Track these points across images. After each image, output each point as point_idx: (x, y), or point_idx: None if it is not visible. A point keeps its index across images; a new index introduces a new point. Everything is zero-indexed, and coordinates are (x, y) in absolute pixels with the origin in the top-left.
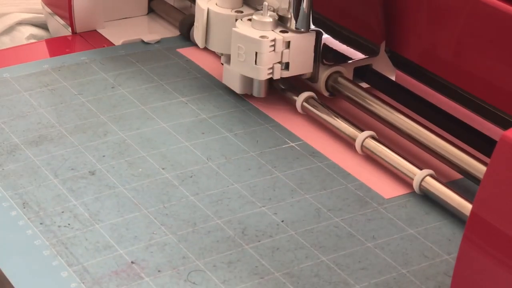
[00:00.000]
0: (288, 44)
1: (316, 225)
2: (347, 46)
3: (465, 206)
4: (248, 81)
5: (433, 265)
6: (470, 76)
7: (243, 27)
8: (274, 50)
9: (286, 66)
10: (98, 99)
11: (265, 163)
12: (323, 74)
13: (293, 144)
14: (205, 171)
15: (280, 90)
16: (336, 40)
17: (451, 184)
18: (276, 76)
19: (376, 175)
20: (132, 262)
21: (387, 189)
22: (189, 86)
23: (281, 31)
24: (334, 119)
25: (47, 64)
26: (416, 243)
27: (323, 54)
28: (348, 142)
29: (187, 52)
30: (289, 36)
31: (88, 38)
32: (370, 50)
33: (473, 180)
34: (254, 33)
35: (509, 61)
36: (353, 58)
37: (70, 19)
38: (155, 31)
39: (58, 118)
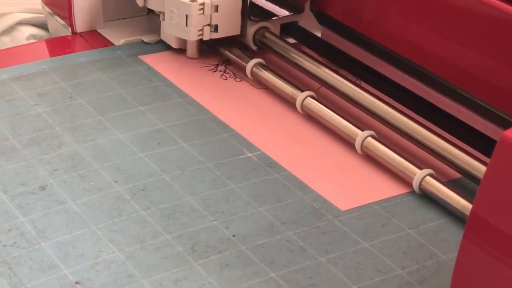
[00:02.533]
0: (216, 8)
1: (268, 239)
2: (273, 4)
3: (465, 206)
4: (182, 39)
5: (386, 280)
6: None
7: None
8: (203, 13)
9: (215, 28)
10: (55, 109)
11: (221, 174)
12: (251, 29)
13: (250, 155)
14: (158, 184)
15: (212, 45)
16: None
17: (450, 184)
18: (206, 37)
19: (334, 186)
20: (77, 283)
21: (344, 200)
22: (148, 95)
23: None
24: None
25: (6, 74)
26: (370, 257)
27: (250, 11)
28: (308, 153)
29: (149, 59)
30: (217, 0)
31: (88, 38)
32: (295, 8)
33: (473, 179)
34: None
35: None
36: (279, 15)
37: (70, 19)
38: (155, 31)
39: (13, 130)
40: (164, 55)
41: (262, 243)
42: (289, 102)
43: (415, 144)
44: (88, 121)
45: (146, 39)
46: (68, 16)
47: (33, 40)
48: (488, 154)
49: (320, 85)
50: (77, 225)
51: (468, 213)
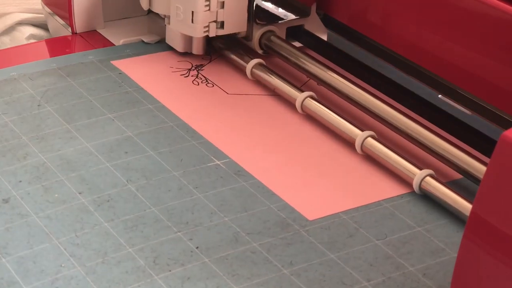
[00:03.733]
0: (222, 4)
1: (232, 251)
2: (279, 7)
3: (465, 206)
4: (188, 40)
5: None
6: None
7: None
8: (209, 9)
9: (221, 25)
10: (22, 118)
11: (187, 183)
12: (257, 33)
13: (218, 162)
14: (123, 194)
15: (218, 49)
16: (269, 1)
17: (450, 184)
18: (212, 34)
19: (303, 194)
20: None
21: (312, 209)
22: (118, 101)
23: None
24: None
25: None
26: (335, 269)
27: (256, 14)
28: (279, 160)
29: (121, 64)
30: None
31: (88, 38)
32: (301, 12)
33: (473, 180)
34: None
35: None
36: (284, 18)
37: (70, 19)
38: (155, 31)
39: None
40: (136, 60)
41: (226, 254)
42: (261, 108)
43: (415, 144)
44: (55, 130)
45: (146, 39)
46: (68, 16)
47: (33, 40)
48: (488, 154)
49: (318, 82)
50: (39, 239)
51: (468, 213)
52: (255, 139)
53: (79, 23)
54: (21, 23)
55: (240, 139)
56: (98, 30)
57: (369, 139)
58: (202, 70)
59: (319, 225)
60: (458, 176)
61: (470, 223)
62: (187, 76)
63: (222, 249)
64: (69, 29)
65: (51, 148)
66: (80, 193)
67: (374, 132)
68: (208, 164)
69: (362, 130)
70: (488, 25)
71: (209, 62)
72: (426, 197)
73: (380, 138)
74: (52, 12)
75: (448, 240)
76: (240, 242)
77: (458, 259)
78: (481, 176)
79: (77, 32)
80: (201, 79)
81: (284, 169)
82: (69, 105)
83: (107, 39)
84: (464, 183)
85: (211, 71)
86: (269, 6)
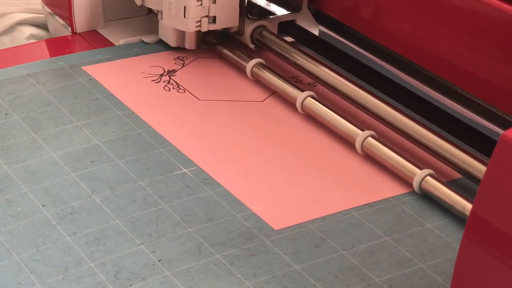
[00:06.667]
0: None
1: (194, 263)
2: (271, 2)
3: (465, 206)
4: (181, 35)
5: None
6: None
7: None
8: (201, 4)
9: (214, 19)
10: None
11: (153, 193)
12: (249, 28)
13: (186, 170)
14: (87, 206)
15: (211, 43)
16: None
17: (450, 184)
18: (204, 28)
19: (270, 203)
20: None
21: (278, 218)
22: (87, 109)
23: None
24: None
25: None
26: (299, 281)
27: (247, 9)
28: (248, 168)
29: (92, 69)
30: None
31: (88, 38)
32: (293, 7)
33: (473, 180)
34: None
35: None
36: (276, 13)
37: (70, 19)
38: (155, 31)
39: None
40: (108, 65)
41: (188, 267)
42: (232, 114)
43: (415, 144)
44: (21, 140)
45: (146, 39)
46: (68, 16)
47: (33, 40)
48: (488, 154)
49: (314, 81)
50: None
51: (468, 213)
52: (224, 146)
53: (79, 23)
54: (21, 23)
55: (209, 146)
56: (98, 30)
57: (369, 138)
58: (174, 75)
59: (284, 235)
60: (458, 175)
61: (470, 223)
62: (158, 82)
63: (185, 262)
64: (69, 29)
65: (16, 159)
66: (43, 206)
67: (374, 132)
68: (175, 173)
69: (362, 130)
70: (488, 25)
71: (182, 67)
72: (398, 205)
73: (380, 138)
74: (52, 12)
75: (415, 250)
76: (203, 254)
77: (458, 259)
78: (481, 176)
79: (77, 32)
80: (173, 84)
81: (253, 177)
82: (37, 113)
83: (107, 39)
84: (464, 183)
85: (184, 76)
86: (261, 1)
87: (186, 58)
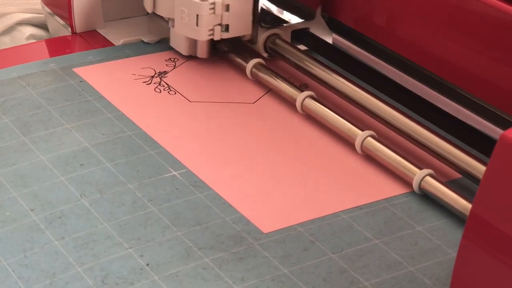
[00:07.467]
0: (227, 7)
1: (183, 268)
2: (284, 10)
3: (465, 206)
4: (192, 43)
5: None
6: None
7: None
8: (214, 12)
9: (226, 28)
10: None
11: (142, 196)
12: (262, 36)
13: (175, 173)
14: (76, 210)
15: (223, 52)
16: (274, 4)
17: (450, 184)
18: (216, 37)
19: (259, 205)
20: None
21: (268, 221)
22: (77, 111)
23: None
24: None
25: None
26: (287, 285)
27: (260, 18)
28: (237, 171)
29: (83, 71)
30: None
31: (88, 38)
32: (306, 15)
33: (473, 180)
34: None
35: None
36: (289, 21)
37: (70, 19)
38: (155, 31)
39: None
40: (99, 67)
41: (176, 271)
42: (223, 116)
43: (415, 144)
44: (11, 143)
45: (146, 39)
46: (68, 16)
47: (33, 40)
48: (488, 154)
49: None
50: None
51: (468, 213)
52: (215, 148)
53: (79, 23)
54: (21, 23)
55: (199, 148)
56: (98, 30)
57: (369, 138)
58: (165, 77)
59: (273, 238)
60: (457, 175)
61: (470, 223)
62: (149, 83)
63: (173, 266)
64: (69, 29)
65: (5, 162)
66: (32, 210)
67: (374, 132)
68: (165, 175)
69: (362, 130)
70: (488, 25)
71: (173, 68)
72: (388, 208)
73: (380, 138)
74: (52, 12)
75: (405, 253)
76: (191, 257)
77: (458, 259)
78: (480, 176)
79: (77, 32)
80: (164, 86)
81: (242, 180)
82: (27, 115)
83: (107, 39)
84: (464, 183)
85: (175, 78)
86: (274, 9)
87: (178, 60)
